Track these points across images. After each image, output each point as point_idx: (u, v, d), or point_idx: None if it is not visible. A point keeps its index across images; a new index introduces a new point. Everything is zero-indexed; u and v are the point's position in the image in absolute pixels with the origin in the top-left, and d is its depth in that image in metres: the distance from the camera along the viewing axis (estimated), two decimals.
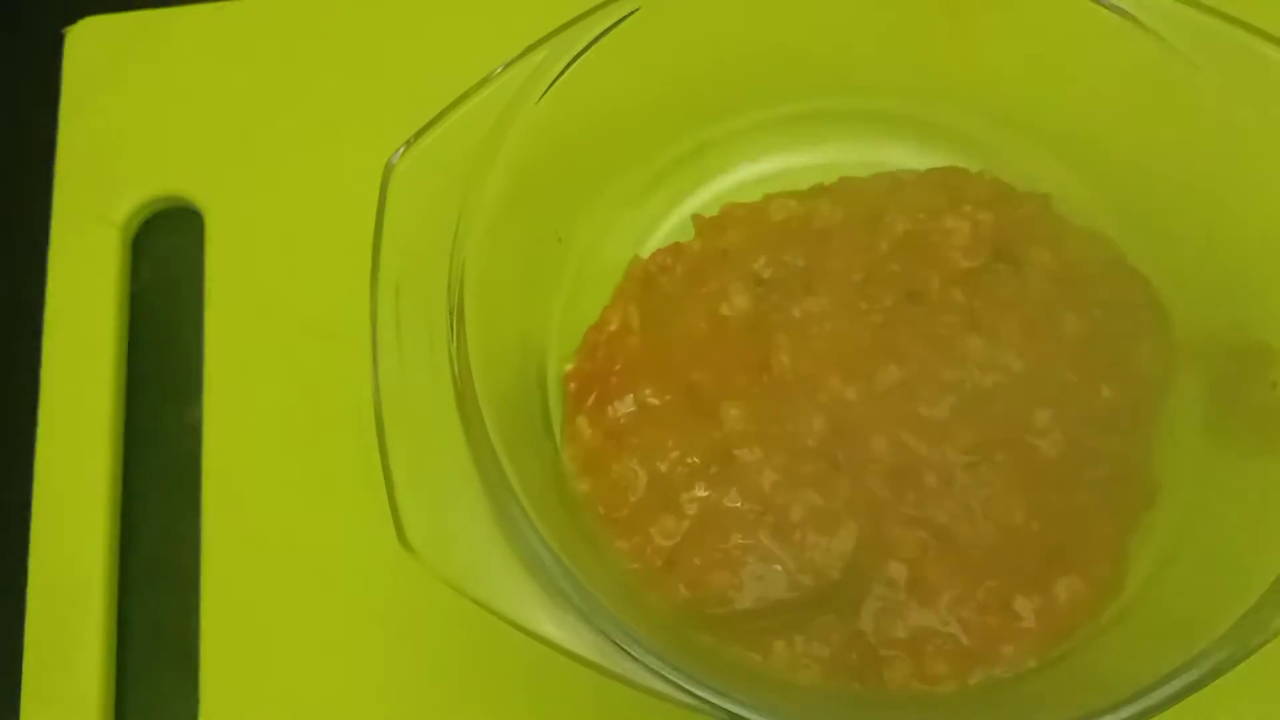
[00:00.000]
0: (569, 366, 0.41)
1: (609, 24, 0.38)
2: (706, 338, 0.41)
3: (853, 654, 0.36)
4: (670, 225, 0.45)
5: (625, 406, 0.40)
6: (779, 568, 0.38)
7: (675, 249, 0.43)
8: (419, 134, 0.36)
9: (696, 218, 0.44)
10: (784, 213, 0.43)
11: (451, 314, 0.35)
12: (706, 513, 0.38)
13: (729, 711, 0.30)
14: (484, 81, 0.37)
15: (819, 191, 0.44)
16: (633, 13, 0.38)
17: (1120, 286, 0.41)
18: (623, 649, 0.31)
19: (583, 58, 0.38)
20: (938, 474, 0.38)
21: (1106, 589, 0.37)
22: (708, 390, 0.40)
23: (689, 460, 0.39)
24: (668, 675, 0.30)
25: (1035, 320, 0.40)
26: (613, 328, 0.42)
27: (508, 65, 0.37)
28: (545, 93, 0.37)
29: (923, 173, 0.44)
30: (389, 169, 0.36)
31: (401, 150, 0.36)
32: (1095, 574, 0.37)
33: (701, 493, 0.38)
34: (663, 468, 0.39)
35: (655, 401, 0.40)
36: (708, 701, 0.30)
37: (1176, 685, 0.30)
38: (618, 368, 0.40)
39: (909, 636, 0.37)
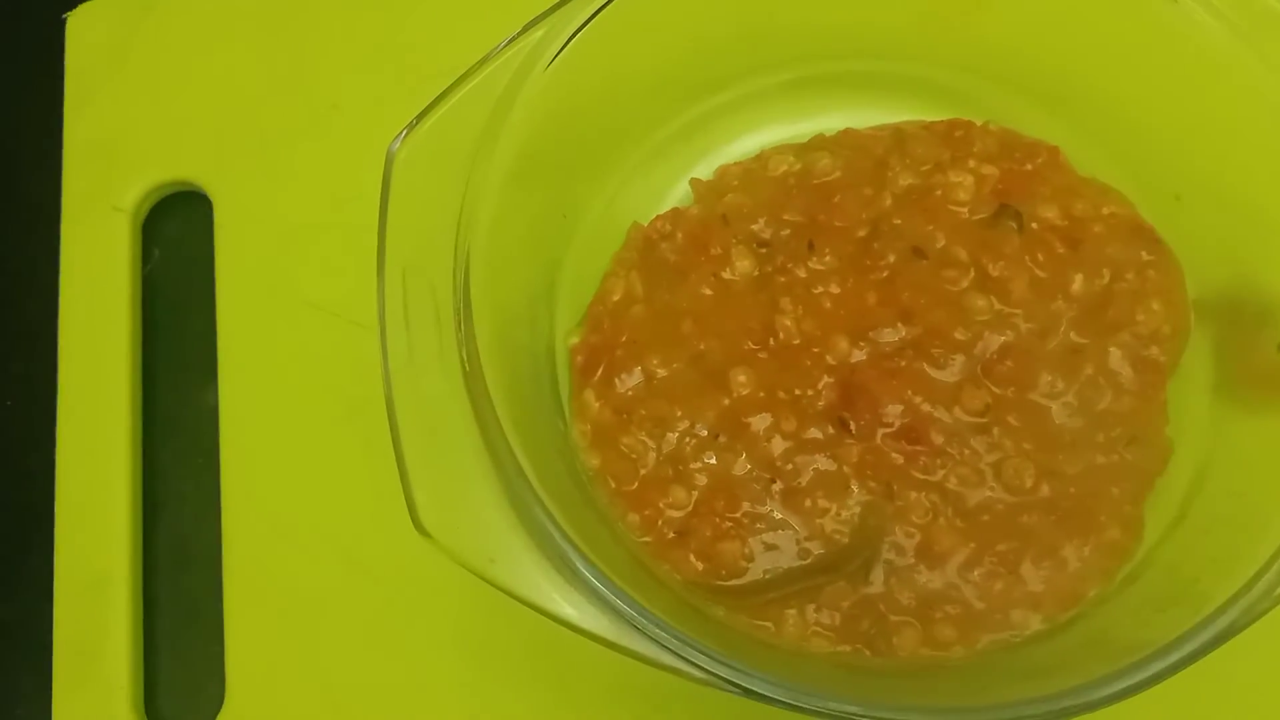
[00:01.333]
0: (574, 340, 0.41)
1: None
2: (711, 304, 0.41)
3: (864, 621, 0.37)
4: (677, 195, 0.44)
5: (632, 379, 0.40)
6: (789, 535, 0.38)
7: (674, 214, 0.43)
8: (420, 117, 0.36)
9: (694, 181, 0.44)
10: (782, 166, 0.43)
11: (458, 298, 0.35)
12: (716, 482, 0.39)
13: (741, 685, 0.31)
14: (483, 61, 0.37)
15: (819, 144, 0.44)
16: None
17: (1130, 243, 0.41)
18: (635, 627, 0.31)
19: (583, 32, 0.37)
20: (948, 436, 0.38)
21: (1117, 553, 0.37)
22: (715, 358, 0.40)
23: (698, 430, 0.39)
24: (679, 651, 0.31)
25: (1042, 279, 0.40)
26: (616, 298, 0.42)
27: (506, 44, 0.37)
28: (546, 69, 0.37)
29: (926, 124, 0.44)
30: (390, 155, 0.36)
31: (403, 135, 0.36)
32: (1106, 538, 0.37)
33: (711, 462, 0.39)
34: (672, 439, 0.39)
35: (663, 372, 0.40)
36: (718, 676, 0.31)
37: (1186, 649, 0.31)
38: (624, 339, 0.40)
39: (918, 602, 0.37)
